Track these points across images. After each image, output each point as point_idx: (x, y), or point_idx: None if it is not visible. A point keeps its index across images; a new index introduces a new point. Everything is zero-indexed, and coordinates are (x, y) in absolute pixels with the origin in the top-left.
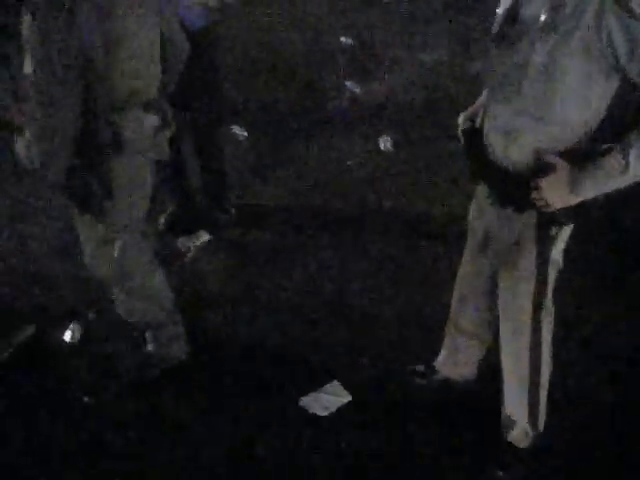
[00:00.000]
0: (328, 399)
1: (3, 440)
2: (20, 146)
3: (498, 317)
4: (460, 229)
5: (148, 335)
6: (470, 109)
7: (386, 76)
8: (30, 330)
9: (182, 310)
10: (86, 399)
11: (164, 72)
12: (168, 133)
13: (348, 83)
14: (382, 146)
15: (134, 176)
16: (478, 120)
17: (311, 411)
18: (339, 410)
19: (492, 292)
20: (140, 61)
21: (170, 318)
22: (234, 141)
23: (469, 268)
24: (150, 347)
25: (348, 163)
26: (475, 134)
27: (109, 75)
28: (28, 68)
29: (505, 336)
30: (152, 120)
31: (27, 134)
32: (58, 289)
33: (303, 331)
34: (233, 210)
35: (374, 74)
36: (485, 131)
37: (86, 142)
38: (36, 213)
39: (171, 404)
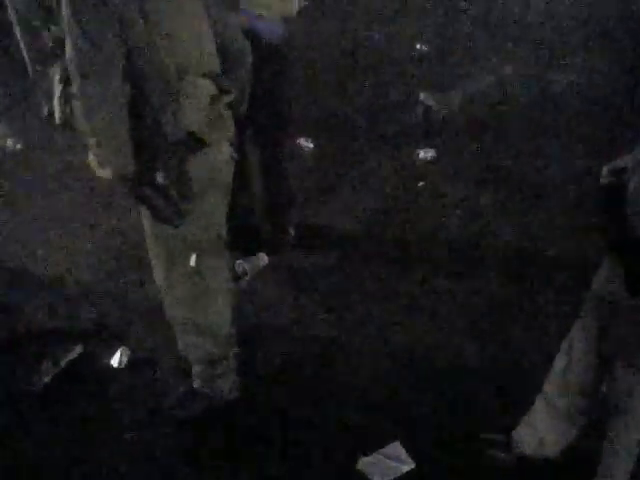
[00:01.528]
0: (389, 465)
1: (41, 462)
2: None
3: (602, 402)
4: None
5: (195, 370)
6: (618, 160)
7: (463, 88)
8: (77, 351)
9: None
10: (127, 435)
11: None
12: (227, 99)
13: (422, 94)
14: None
15: (213, 173)
16: (626, 177)
17: (369, 477)
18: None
19: (600, 379)
20: (182, 45)
21: (223, 354)
22: (299, 153)
23: (579, 347)
24: (196, 384)
25: (419, 184)
26: (619, 193)
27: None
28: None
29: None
30: (207, 84)
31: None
32: (109, 310)
33: (365, 377)
34: (293, 232)
35: (450, 85)
36: (631, 192)
37: (148, 138)
38: (87, 231)
39: (213, 447)
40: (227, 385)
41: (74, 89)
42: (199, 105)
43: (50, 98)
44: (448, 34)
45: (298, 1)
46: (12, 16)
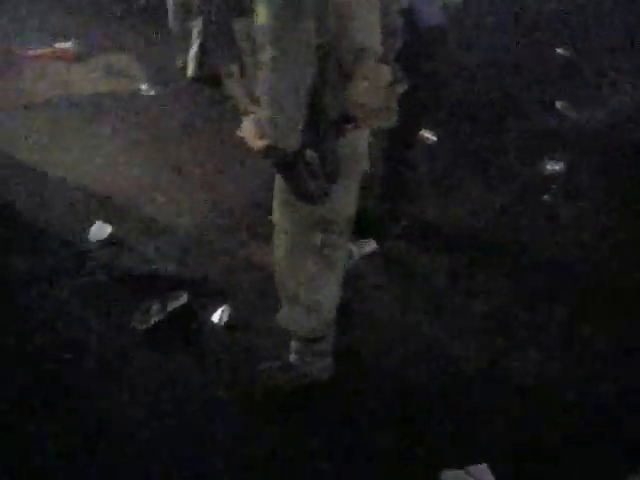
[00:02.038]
0: None
1: (130, 400)
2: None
3: None
4: None
5: (293, 345)
6: None
7: (608, 100)
8: (184, 299)
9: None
10: (220, 392)
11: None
12: (400, 89)
13: (559, 103)
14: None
15: (357, 156)
16: None
17: None
18: None
19: None
20: (364, 25)
21: (323, 333)
22: (421, 145)
23: None
24: (292, 359)
25: (544, 197)
26: None
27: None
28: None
29: None
30: (386, 71)
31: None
32: (217, 266)
33: (457, 385)
34: (405, 222)
35: (593, 96)
36: None
37: (313, 117)
38: (206, 184)
39: (294, 422)
40: (322, 365)
41: (262, 58)
42: (377, 90)
43: (186, 51)
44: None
45: None
46: None
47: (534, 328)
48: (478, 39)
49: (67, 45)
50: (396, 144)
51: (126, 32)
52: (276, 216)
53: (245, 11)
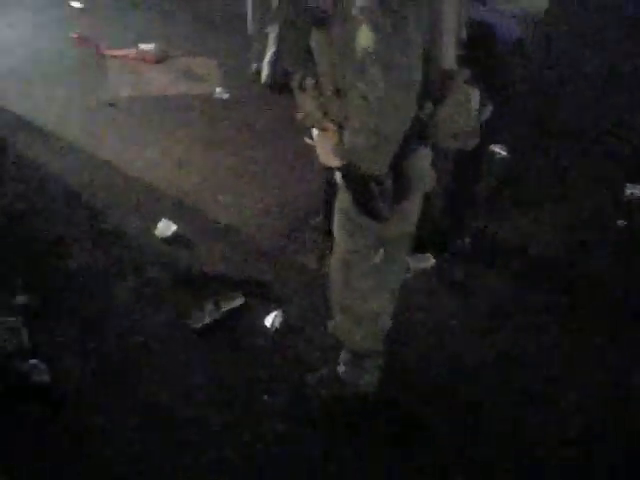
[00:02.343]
0: None
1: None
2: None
3: None
4: None
5: (343, 357)
6: None
7: None
8: (239, 301)
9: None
10: (265, 397)
11: None
12: (487, 113)
13: None
14: None
15: (424, 173)
16: None
17: None
18: None
19: None
20: (451, 46)
21: (374, 349)
22: (490, 160)
23: None
24: (340, 370)
25: (619, 222)
26: None
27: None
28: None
29: None
30: (477, 95)
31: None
32: (274, 270)
33: (511, 405)
34: (468, 240)
35: None
36: None
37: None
38: (271, 188)
39: (337, 434)
40: (370, 379)
41: (360, 80)
42: (468, 113)
43: (261, 58)
44: None
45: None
46: None
47: (597, 353)
48: (559, 53)
49: (149, 47)
50: (463, 157)
51: (207, 36)
52: (336, 229)
53: (324, 23)
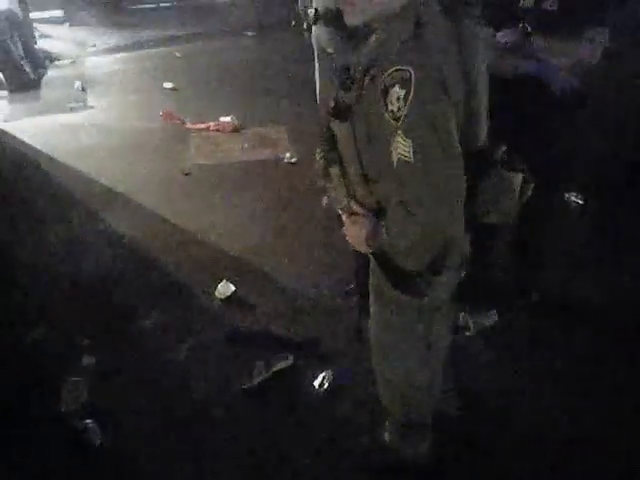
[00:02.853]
0: None
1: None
2: None
3: None
4: None
5: (388, 425)
6: None
7: None
8: (289, 362)
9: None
10: (307, 461)
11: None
12: (528, 192)
13: None
14: None
15: (458, 241)
16: None
17: None
18: None
19: None
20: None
21: (422, 421)
22: (565, 208)
23: None
24: (387, 438)
25: None
26: None
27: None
28: None
29: None
30: (519, 178)
31: None
32: (325, 329)
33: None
34: (537, 295)
35: None
36: None
37: None
38: (320, 247)
39: None
40: (418, 448)
41: (408, 192)
42: (512, 194)
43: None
44: None
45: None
46: None
47: None
48: (622, 97)
49: (227, 119)
50: (533, 209)
51: (278, 105)
52: (373, 299)
53: (346, 117)
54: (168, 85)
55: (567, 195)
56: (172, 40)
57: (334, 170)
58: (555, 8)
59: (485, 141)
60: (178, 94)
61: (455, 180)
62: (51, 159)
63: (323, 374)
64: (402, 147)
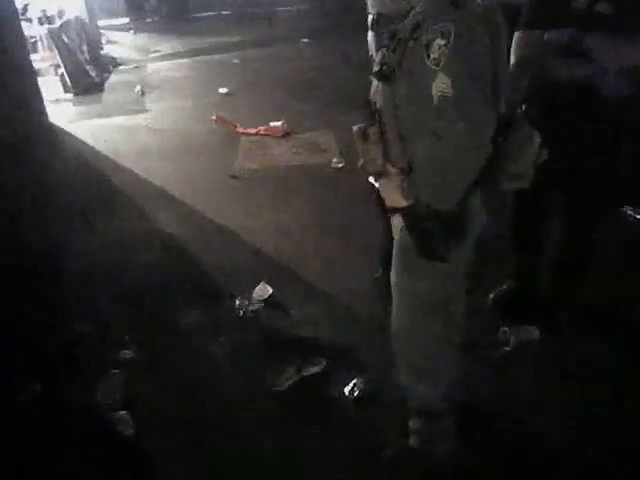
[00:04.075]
0: None
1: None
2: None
3: None
4: None
5: (412, 425)
6: None
7: None
8: (320, 366)
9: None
10: (332, 467)
11: None
12: (543, 157)
13: None
14: None
15: (478, 212)
16: None
17: None
18: None
19: None
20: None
21: (440, 408)
22: (621, 223)
23: None
24: (412, 441)
25: None
26: None
27: None
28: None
29: None
30: (537, 136)
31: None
32: (364, 335)
33: None
34: (578, 310)
35: None
36: None
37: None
38: (359, 245)
39: None
40: (444, 448)
41: (443, 120)
42: (529, 158)
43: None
44: None
45: None
46: None
47: None
48: None
49: (277, 124)
50: (582, 222)
51: (327, 112)
52: (394, 274)
53: (390, 78)
54: (223, 90)
55: (624, 209)
56: (231, 47)
57: (373, 129)
58: (607, 11)
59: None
60: (232, 99)
61: (483, 115)
62: (107, 159)
63: (354, 381)
64: (442, 85)
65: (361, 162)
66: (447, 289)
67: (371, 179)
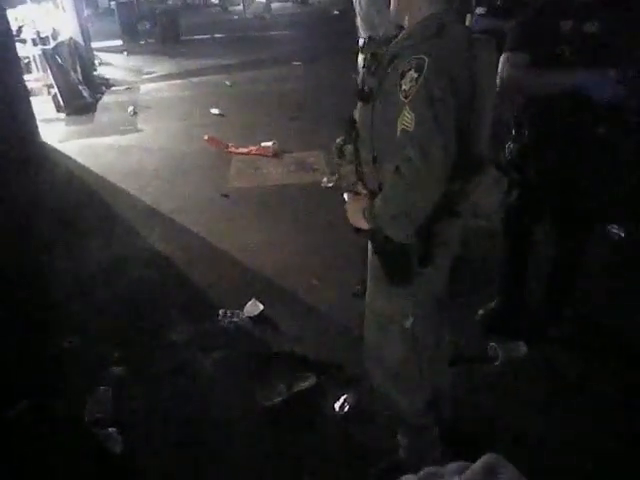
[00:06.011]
0: None
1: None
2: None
3: None
4: None
5: (400, 439)
6: None
7: None
8: (311, 382)
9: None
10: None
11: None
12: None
13: None
14: None
15: (451, 240)
16: None
17: None
18: None
19: None
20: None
21: (423, 422)
22: (605, 239)
23: None
24: (401, 453)
25: None
26: None
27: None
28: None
29: None
30: (503, 183)
31: None
32: (354, 352)
33: None
34: (567, 325)
35: None
36: None
37: None
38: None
39: None
40: (431, 461)
41: (403, 156)
42: (498, 197)
43: None
44: None
45: None
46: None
47: None
48: None
49: (269, 144)
50: (568, 238)
51: (318, 132)
52: (369, 301)
53: (369, 99)
54: (215, 111)
55: (609, 227)
56: (223, 69)
57: (348, 148)
58: (595, 30)
59: (486, 145)
60: (224, 120)
61: (443, 152)
62: (99, 177)
63: (344, 397)
64: (406, 119)
65: (336, 177)
66: (411, 311)
67: (345, 195)
